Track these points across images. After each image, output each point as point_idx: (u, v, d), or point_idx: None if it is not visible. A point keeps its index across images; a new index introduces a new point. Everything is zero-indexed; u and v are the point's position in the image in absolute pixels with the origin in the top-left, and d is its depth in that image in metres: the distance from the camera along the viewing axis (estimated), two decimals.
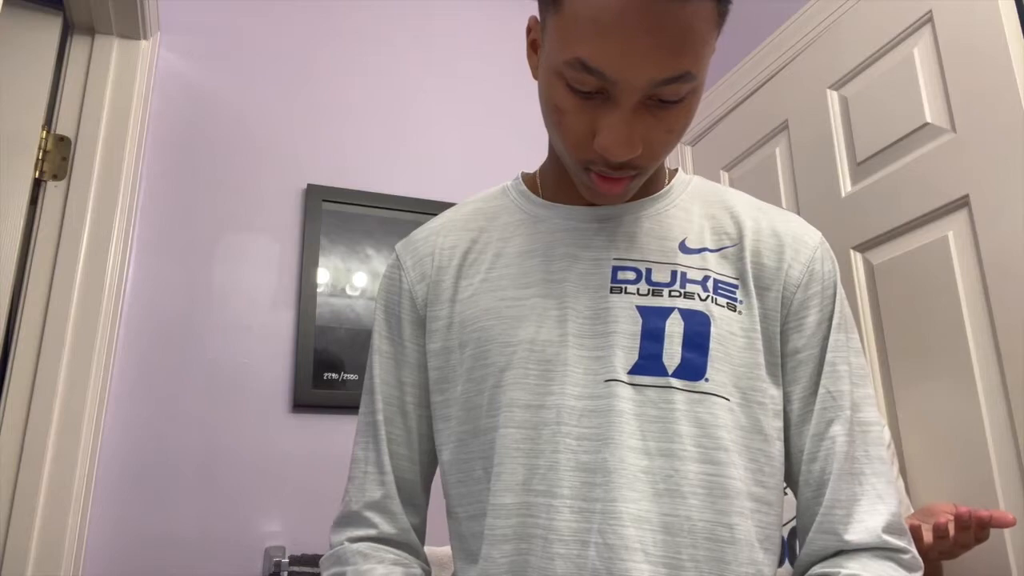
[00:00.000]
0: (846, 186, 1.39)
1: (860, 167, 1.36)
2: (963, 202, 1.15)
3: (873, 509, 0.68)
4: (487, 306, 0.75)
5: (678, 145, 1.92)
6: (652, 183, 0.79)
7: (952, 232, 1.17)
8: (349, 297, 1.65)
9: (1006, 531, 1.04)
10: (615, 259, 0.74)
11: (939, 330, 1.17)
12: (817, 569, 0.69)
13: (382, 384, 0.81)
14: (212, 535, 1.43)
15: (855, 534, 0.67)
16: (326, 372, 1.58)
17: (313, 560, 1.38)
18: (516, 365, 0.71)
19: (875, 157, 1.32)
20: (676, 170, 0.83)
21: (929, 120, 1.22)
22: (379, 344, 0.82)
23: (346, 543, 0.77)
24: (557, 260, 0.75)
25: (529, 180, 0.84)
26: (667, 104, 0.63)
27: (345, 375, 1.59)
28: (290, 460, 1.52)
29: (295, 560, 1.38)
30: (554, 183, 0.81)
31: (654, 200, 0.78)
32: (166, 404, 1.47)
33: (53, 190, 1.44)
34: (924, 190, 1.21)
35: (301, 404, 1.55)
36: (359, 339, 1.62)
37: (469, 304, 0.76)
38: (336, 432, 1.56)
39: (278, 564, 1.37)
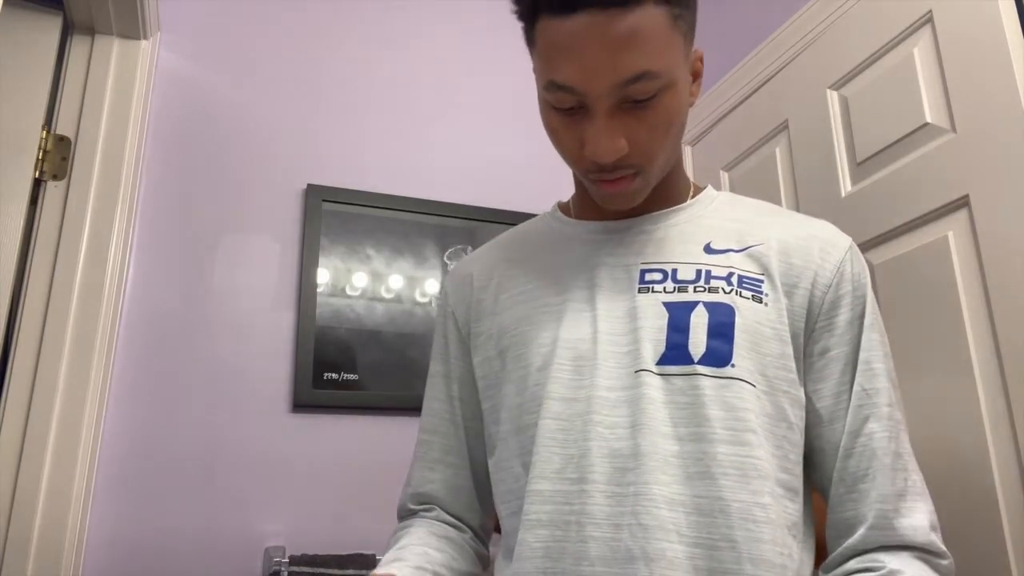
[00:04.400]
0: (846, 186, 1.39)
1: (860, 167, 1.36)
2: (963, 202, 1.15)
3: (916, 506, 0.70)
4: (524, 314, 0.81)
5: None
6: (676, 195, 0.83)
7: (952, 232, 1.17)
8: (349, 297, 1.65)
9: (1006, 531, 1.04)
10: (643, 263, 0.78)
11: (939, 330, 1.17)
12: (855, 564, 0.70)
13: (432, 400, 0.90)
14: (212, 535, 1.43)
15: (905, 529, 0.69)
16: (326, 372, 1.58)
17: (313, 560, 1.38)
18: (552, 362, 0.76)
19: (875, 157, 1.32)
20: (706, 187, 0.87)
21: (929, 120, 1.21)
22: (432, 366, 0.92)
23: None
24: (589, 268, 0.80)
25: (563, 206, 0.91)
26: (641, 104, 0.68)
27: (345, 375, 1.59)
28: (290, 460, 1.52)
29: (295, 560, 1.38)
30: (581, 204, 0.87)
31: (680, 210, 0.82)
32: (166, 404, 1.47)
33: (53, 190, 1.44)
34: (924, 190, 1.21)
35: (301, 404, 1.55)
36: (359, 339, 1.62)
37: (508, 315, 0.82)
38: (336, 432, 1.57)
39: (278, 564, 1.37)
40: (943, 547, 0.70)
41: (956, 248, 1.16)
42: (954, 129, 1.17)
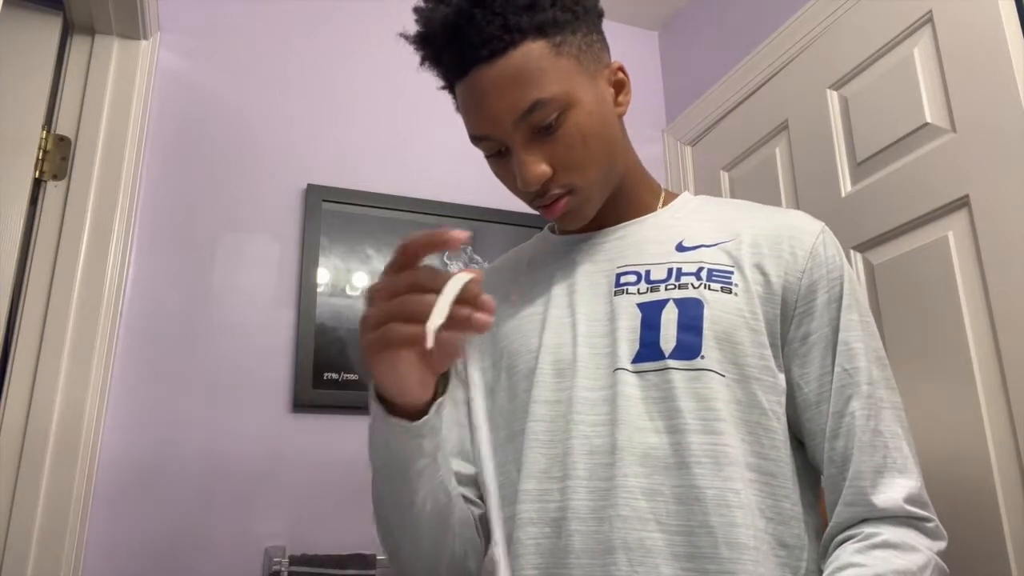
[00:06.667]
0: (846, 186, 1.39)
1: (860, 167, 1.36)
2: (963, 202, 1.15)
3: (894, 482, 0.72)
4: (511, 325, 0.86)
5: (677, 146, 1.93)
6: (647, 203, 0.88)
7: (952, 232, 1.17)
8: (349, 297, 1.65)
9: (1006, 531, 1.04)
10: (619, 267, 0.82)
11: (939, 330, 1.17)
12: (840, 537, 0.72)
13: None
14: (212, 535, 1.43)
15: (880, 502, 0.71)
16: (326, 372, 1.58)
17: (313, 560, 1.38)
18: (537, 368, 0.80)
19: (875, 157, 1.32)
20: (681, 193, 0.91)
21: (929, 120, 1.22)
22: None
23: None
24: (569, 276, 0.85)
25: (551, 227, 0.96)
26: (550, 128, 0.74)
27: (345, 375, 1.59)
28: (290, 460, 1.52)
29: (295, 560, 1.38)
30: None
31: (654, 215, 0.87)
32: (166, 404, 1.47)
33: (53, 190, 1.44)
34: (924, 190, 1.21)
35: (301, 404, 1.54)
36: (359, 339, 1.62)
37: (497, 328, 0.86)
38: (336, 432, 1.56)
39: (278, 564, 1.37)
40: (925, 512, 0.72)
41: (956, 248, 1.16)
42: (954, 129, 1.17)
